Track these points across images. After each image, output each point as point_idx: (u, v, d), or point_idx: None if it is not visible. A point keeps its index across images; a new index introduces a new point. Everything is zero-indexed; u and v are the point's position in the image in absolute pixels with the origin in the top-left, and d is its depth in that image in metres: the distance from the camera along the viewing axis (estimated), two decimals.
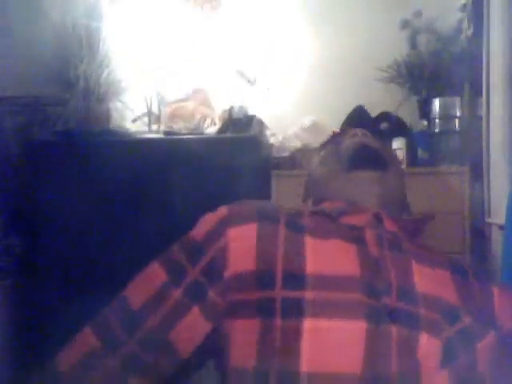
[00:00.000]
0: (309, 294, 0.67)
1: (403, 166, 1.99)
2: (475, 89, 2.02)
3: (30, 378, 0.83)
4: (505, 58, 1.84)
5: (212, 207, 0.80)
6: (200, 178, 1.85)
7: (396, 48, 2.19)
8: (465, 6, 2.12)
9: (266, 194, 1.93)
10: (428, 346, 0.67)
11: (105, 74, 2.11)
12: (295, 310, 0.66)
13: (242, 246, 0.71)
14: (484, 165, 1.95)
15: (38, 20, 2.12)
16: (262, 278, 0.69)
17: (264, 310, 0.68)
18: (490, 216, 1.93)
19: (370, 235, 0.74)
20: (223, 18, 2.31)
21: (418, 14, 2.19)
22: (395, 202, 0.84)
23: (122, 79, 2.17)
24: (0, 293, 1.88)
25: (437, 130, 2.00)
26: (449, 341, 0.69)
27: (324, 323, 0.66)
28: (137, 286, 0.79)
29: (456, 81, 2.09)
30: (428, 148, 2.02)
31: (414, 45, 2.20)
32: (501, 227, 1.73)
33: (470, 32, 2.08)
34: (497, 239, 1.84)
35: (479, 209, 1.95)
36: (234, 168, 1.81)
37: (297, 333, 0.65)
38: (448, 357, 0.68)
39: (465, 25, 2.12)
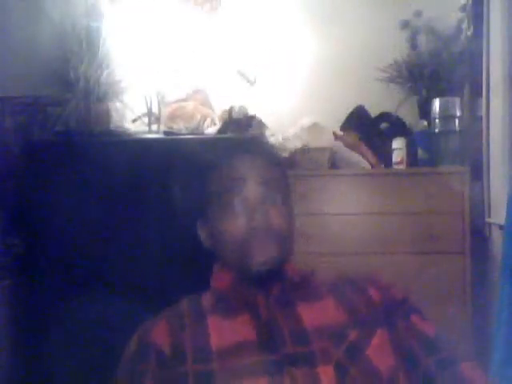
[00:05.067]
0: (217, 365, 0.78)
1: (403, 166, 1.99)
2: (475, 89, 2.02)
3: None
4: (505, 57, 1.84)
5: None
6: (200, 178, 1.85)
7: (396, 48, 2.19)
8: (465, 6, 2.13)
9: None
10: (325, 374, 0.77)
11: (105, 74, 2.11)
12: (206, 379, 0.78)
13: (160, 341, 0.84)
14: (484, 165, 1.95)
15: (38, 20, 2.12)
16: (175, 357, 0.81)
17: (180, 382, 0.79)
18: (490, 216, 1.93)
19: (259, 299, 0.86)
20: (223, 18, 2.31)
21: (418, 13, 2.19)
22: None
23: (121, 79, 2.17)
24: (0, 293, 1.88)
25: (437, 130, 2.00)
26: (339, 362, 0.79)
27: None
28: None
29: (456, 81, 2.09)
30: (428, 148, 2.02)
31: (414, 45, 2.20)
32: (501, 227, 1.73)
33: (469, 32, 2.08)
34: (497, 239, 1.85)
35: (479, 209, 1.95)
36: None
37: None
38: (341, 375, 0.78)
39: (465, 25, 2.12)
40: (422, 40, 2.19)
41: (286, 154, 2.10)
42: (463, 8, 2.14)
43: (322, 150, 2.06)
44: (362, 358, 0.80)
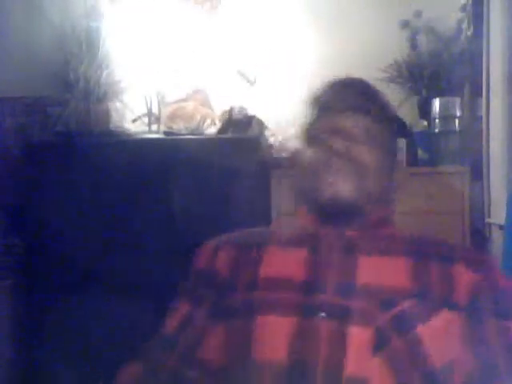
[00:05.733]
0: (258, 295, 0.79)
1: (403, 166, 1.99)
2: (475, 89, 2.02)
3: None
4: (505, 57, 1.84)
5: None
6: (200, 178, 1.85)
7: (396, 48, 2.19)
8: (465, 6, 2.12)
9: (265, 194, 1.93)
10: (358, 336, 0.72)
11: (105, 75, 2.11)
12: (249, 308, 0.78)
13: (223, 266, 0.86)
14: (484, 165, 1.95)
15: (37, 21, 2.13)
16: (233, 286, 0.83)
17: (227, 311, 0.81)
18: (489, 216, 1.93)
19: (323, 235, 0.83)
20: (223, 18, 2.31)
21: (418, 14, 2.19)
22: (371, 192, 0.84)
23: (121, 79, 2.17)
24: (0, 293, 1.88)
25: (437, 130, 2.00)
26: (380, 328, 0.72)
27: (266, 318, 0.77)
28: (167, 319, 0.90)
29: (456, 81, 2.09)
30: (428, 148, 2.02)
31: (414, 45, 2.20)
32: (501, 227, 1.73)
33: (470, 32, 2.08)
34: (497, 239, 1.84)
35: (479, 209, 1.95)
36: (233, 168, 1.81)
37: (249, 328, 0.77)
38: (380, 344, 0.71)
39: (465, 25, 2.12)
40: (422, 40, 2.19)
41: (286, 154, 2.10)
42: (463, 8, 2.14)
43: None
44: (409, 333, 0.72)
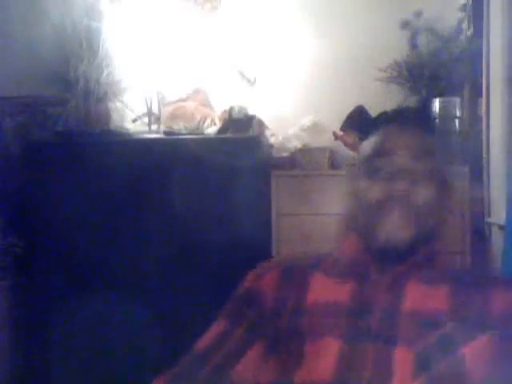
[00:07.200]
0: (306, 320, 0.82)
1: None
2: (475, 89, 2.02)
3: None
4: (505, 58, 1.84)
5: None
6: (200, 178, 1.85)
7: (396, 48, 2.19)
8: (465, 6, 2.12)
9: (265, 194, 1.93)
10: (403, 357, 0.74)
11: (105, 74, 2.11)
12: (297, 333, 0.81)
13: (268, 290, 0.88)
14: (484, 165, 1.95)
15: (38, 20, 2.13)
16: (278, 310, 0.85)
17: (274, 335, 0.83)
18: (490, 216, 1.93)
19: (374, 271, 0.84)
20: (223, 18, 2.31)
21: (418, 14, 2.19)
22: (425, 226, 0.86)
23: (121, 79, 2.17)
24: (0, 293, 1.88)
25: (437, 130, 2.00)
26: (425, 350, 0.74)
27: (314, 344, 0.79)
28: (203, 337, 0.90)
29: (456, 81, 2.09)
30: None
31: (414, 45, 2.19)
32: (501, 227, 1.73)
33: (470, 32, 2.08)
34: (497, 239, 1.84)
35: (479, 209, 1.95)
36: (233, 168, 1.81)
37: (299, 352, 0.79)
38: (423, 365, 0.73)
39: (465, 25, 2.12)
40: (422, 40, 2.19)
41: (285, 154, 2.10)
42: (463, 8, 2.13)
43: (322, 149, 2.06)
44: (455, 353, 0.72)
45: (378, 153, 0.88)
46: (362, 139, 2.18)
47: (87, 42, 2.09)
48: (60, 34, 2.10)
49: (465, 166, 1.92)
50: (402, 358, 0.74)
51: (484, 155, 1.95)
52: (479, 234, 1.94)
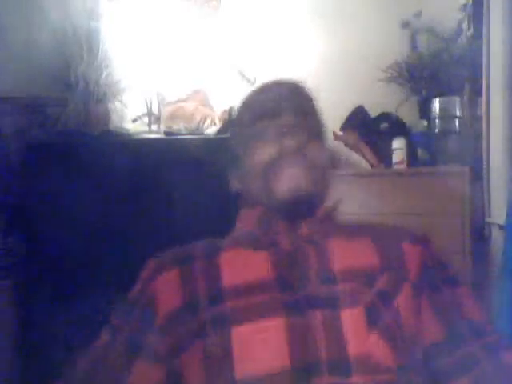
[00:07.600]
0: (228, 305, 0.74)
1: (403, 166, 1.99)
2: (475, 89, 2.02)
3: None
4: (505, 58, 1.84)
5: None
6: (200, 178, 1.85)
7: (396, 48, 2.19)
8: (465, 6, 2.12)
9: None
10: (352, 317, 0.73)
11: (104, 75, 2.11)
12: (221, 321, 0.73)
13: (168, 290, 0.80)
14: (484, 165, 1.95)
15: (37, 21, 2.12)
16: (190, 307, 0.77)
17: (199, 332, 0.74)
18: (490, 216, 1.93)
19: (283, 234, 0.82)
20: (223, 18, 2.31)
21: (418, 14, 2.19)
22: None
23: (121, 79, 2.17)
24: (0, 293, 1.88)
25: (437, 130, 2.00)
26: (370, 304, 0.74)
27: (247, 327, 0.72)
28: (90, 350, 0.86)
29: (456, 81, 2.09)
30: (428, 148, 2.02)
31: (414, 45, 2.20)
32: (501, 227, 1.73)
33: (470, 32, 2.07)
34: (497, 239, 1.84)
35: (479, 209, 1.95)
36: None
37: (228, 342, 0.71)
38: (373, 319, 0.73)
39: (465, 25, 2.12)
40: (422, 40, 2.19)
41: None
42: (463, 8, 2.13)
43: None
44: (392, 305, 0.75)
45: (263, 114, 0.87)
46: (361, 139, 2.18)
47: (87, 42, 2.10)
48: (60, 34, 2.10)
49: (465, 167, 1.92)
50: (351, 317, 0.73)
51: (484, 155, 1.95)
52: (479, 234, 1.94)
